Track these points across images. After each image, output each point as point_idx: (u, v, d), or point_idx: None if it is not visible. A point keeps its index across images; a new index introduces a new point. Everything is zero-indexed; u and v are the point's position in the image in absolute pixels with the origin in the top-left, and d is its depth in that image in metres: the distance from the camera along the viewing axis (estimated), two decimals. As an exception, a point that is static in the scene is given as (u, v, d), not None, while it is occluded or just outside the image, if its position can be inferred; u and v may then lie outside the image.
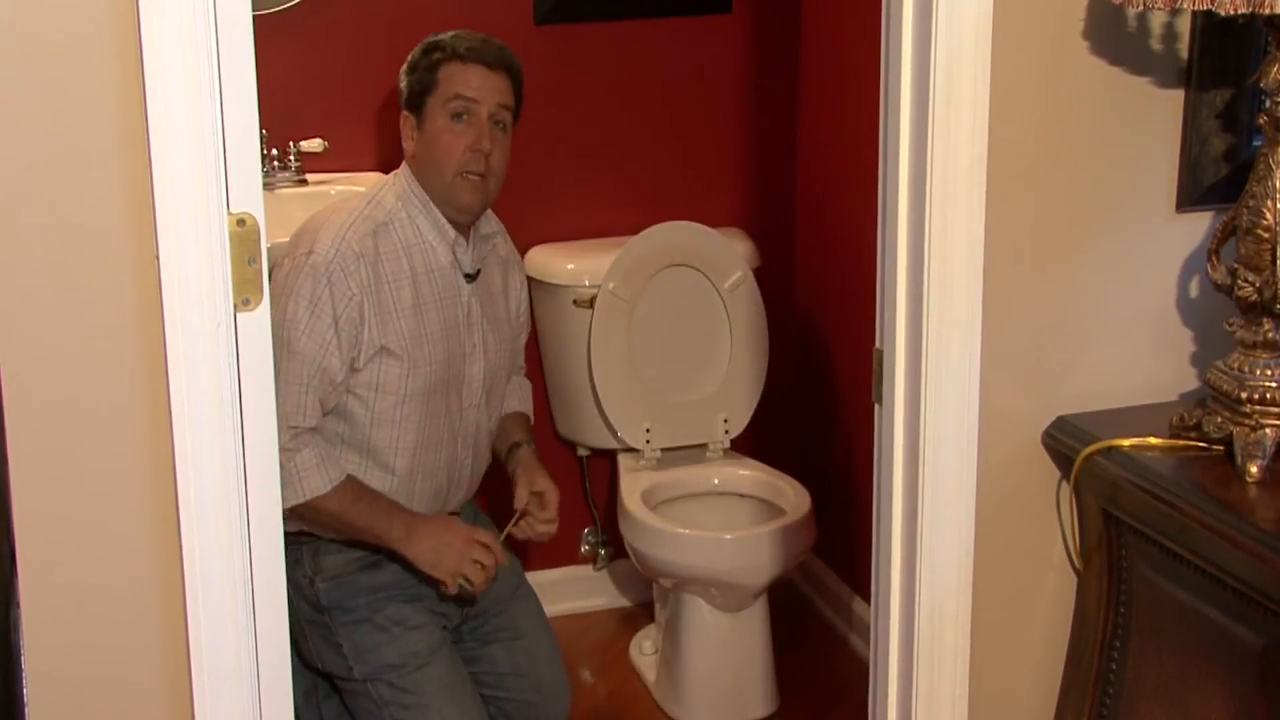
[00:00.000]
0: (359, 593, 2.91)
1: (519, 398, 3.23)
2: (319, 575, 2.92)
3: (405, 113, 2.93)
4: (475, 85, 2.87)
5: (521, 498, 3.05)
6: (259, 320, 1.98)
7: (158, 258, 1.93)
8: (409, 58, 2.95)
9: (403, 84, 2.95)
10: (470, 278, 2.96)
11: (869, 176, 2.31)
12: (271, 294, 2.68)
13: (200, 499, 2.00)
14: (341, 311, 2.78)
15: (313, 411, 2.80)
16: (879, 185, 2.28)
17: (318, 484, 2.80)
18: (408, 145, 2.93)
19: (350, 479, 2.84)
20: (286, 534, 2.82)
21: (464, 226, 2.94)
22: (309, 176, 3.58)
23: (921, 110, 2.17)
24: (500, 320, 3.06)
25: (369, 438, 2.90)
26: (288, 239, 2.99)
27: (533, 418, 3.27)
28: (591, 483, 4.01)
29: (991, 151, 2.20)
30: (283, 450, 2.64)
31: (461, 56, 2.87)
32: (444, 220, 2.90)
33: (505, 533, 3.04)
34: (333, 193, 3.50)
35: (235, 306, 1.97)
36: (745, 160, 4.01)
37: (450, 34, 2.94)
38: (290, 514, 2.79)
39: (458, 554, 2.84)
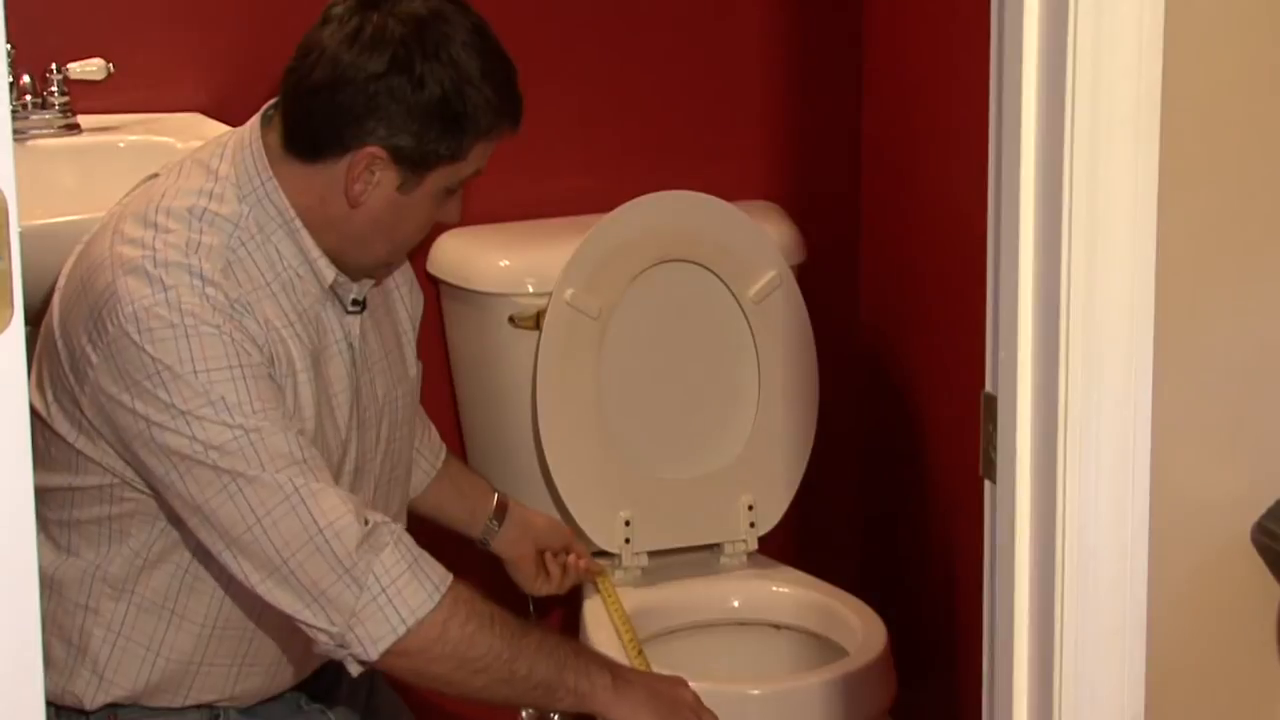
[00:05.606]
0: None
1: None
2: None
3: (381, 153, 2.45)
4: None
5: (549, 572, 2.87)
6: (11, 342, 1.64)
7: None
8: (430, 80, 2.44)
9: (399, 119, 2.46)
10: (357, 305, 2.56)
11: (977, 131, 2.01)
12: (128, 383, 2.39)
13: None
14: (257, 357, 2.45)
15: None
16: (989, 145, 1.99)
17: (419, 597, 2.36)
18: (356, 190, 2.47)
19: (461, 584, 2.42)
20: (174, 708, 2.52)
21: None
22: (82, 119, 3.04)
23: (1058, 32, 1.85)
24: (392, 348, 2.67)
25: None
26: (54, 219, 2.58)
27: None
28: (537, 608, 3.19)
29: (1167, 99, 1.86)
30: (350, 557, 2.35)
31: (513, 129, 2.54)
32: (320, 255, 2.50)
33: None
34: (121, 145, 3.02)
35: (-29, 323, 1.84)
36: (783, 101, 3.40)
37: (486, 69, 2.41)
38: (382, 664, 2.34)
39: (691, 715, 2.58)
